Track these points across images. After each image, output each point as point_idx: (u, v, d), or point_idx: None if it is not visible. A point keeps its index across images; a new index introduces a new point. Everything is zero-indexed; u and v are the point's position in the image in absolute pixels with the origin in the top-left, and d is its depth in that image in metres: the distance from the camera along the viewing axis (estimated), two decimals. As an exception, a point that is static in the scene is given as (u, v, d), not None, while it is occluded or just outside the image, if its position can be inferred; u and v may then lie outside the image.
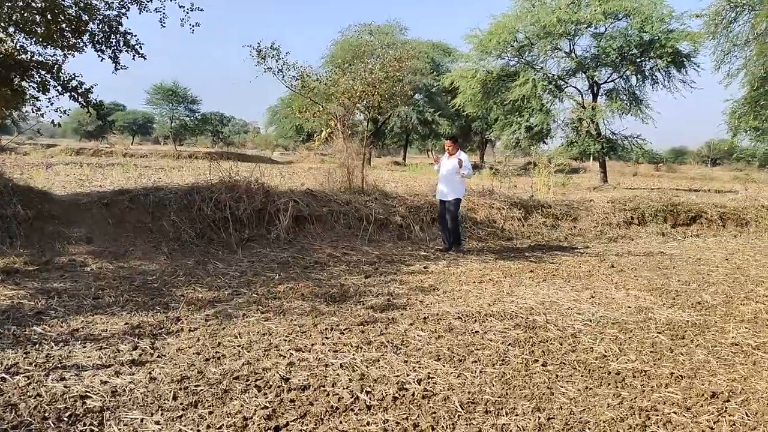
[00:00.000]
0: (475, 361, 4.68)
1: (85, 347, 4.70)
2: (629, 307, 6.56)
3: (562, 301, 6.71)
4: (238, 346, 4.85)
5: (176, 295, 6.39)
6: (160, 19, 9.38)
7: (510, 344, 5.13)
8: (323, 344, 4.95)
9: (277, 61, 10.66)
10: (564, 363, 4.72)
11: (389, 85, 10.72)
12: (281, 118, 57.60)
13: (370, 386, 4.11)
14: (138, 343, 4.82)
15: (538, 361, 4.74)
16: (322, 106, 11.30)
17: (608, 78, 30.02)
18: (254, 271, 7.62)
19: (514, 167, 14.28)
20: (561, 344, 5.18)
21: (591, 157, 35.90)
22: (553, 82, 29.33)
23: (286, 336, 5.14)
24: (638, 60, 28.37)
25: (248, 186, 9.40)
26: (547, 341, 5.24)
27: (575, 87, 30.75)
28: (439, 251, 9.56)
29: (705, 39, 19.90)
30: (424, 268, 8.32)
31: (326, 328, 5.36)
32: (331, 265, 8.16)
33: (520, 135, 29.49)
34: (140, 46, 9.28)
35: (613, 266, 8.89)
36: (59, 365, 4.31)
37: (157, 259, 7.93)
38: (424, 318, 5.80)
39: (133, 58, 9.26)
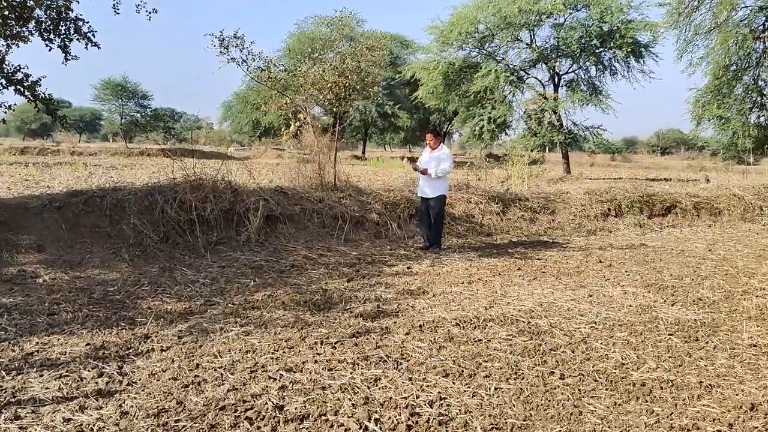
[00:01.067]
0: (487, 376, 4.22)
1: (42, 376, 4.08)
2: (630, 306, 6.20)
3: (560, 301, 6.31)
4: (220, 367, 4.29)
5: (142, 307, 5.77)
6: (114, 4, 8.64)
7: (519, 354, 4.69)
8: (315, 361, 4.42)
9: (241, 51, 10.01)
10: (583, 374, 4.30)
11: (362, 75, 10.18)
12: (237, 113, 56.31)
13: (377, 412, 3.61)
14: (103, 368, 4.22)
15: (554, 373, 4.31)
16: (290, 98, 10.69)
17: (569, 69, 30.05)
18: (226, 278, 7.03)
19: (482, 160, 13.83)
20: (573, 352, 4.76)
21: (551, 149, 35.82)
22: (515, 74, 29.12)
23: (272, 353, 4.60)
24: (598, 50, 28.44)
25: (215, 184, 8.76)
26: (557, 349, 4.82)
27: (536, 78, 30.73)
28: (420, 249, 9.09)
29: (668, 28, 19.89)
30: (408, 268, 7.84)
31: (316, 342, 4.84)
32: (308, 268, 7.61)
33: (484, 127, 29.20)
34: (93, 34, 8.52)
35: (600, 261, 8.57)
36: (12, 400, 3.69)
37: (118, 267, 7.25)
38: (420, 326, 5.33)
39: (86, 47, 8.50)
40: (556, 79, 30.29)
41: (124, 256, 7.61)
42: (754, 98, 19.14)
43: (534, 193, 12.30)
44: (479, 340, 5.01)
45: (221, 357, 4.50)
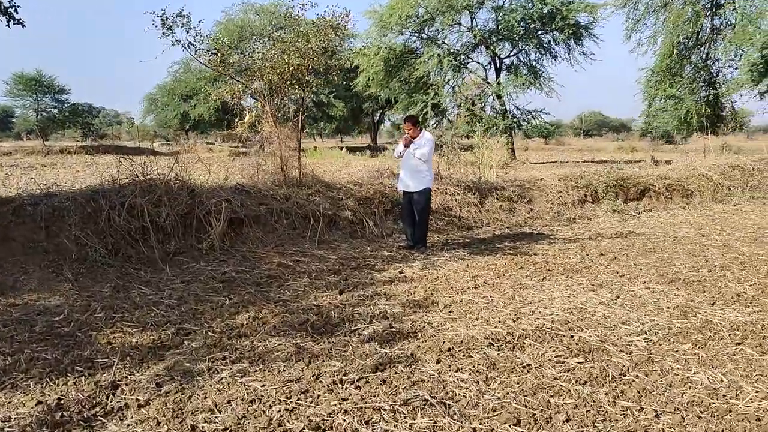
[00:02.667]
0: (568, 420, 3.38)
1: (-19, 464, 2.97)
2: (668, 307, 5.50)
3: (588, 306, 5.55)
4: (224, 430, 3.28)
5: (100, 342, 4.66)
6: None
7: (587, 383, 3.86)
8: (345, 411, 3.48)
9: (187, 32, 8.79)
10: (678, 408, 3.51)
11: (326, 56, 9.15)
12: (162, 106, 53.52)
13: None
14: (67, 443, 3.15)
15: (644, 409, 3.51)
16: (243, 84, 9.53)
17: (510, 53, 29.68)
18: (195, 296, 5.93)
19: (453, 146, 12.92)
20: (647, 376, 3.97)
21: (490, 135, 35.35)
22: (458, 58, 28.49)
23: (284, 401, 3.62)
24: (539, 33, 28.18)
25: (168, 185, 7.58)
26: (626, 373, 4.02)
27: (478, 62, 30.24)
28: (403, 249, 8.19)
29: (617, 8, 19.59)
30: (400, 273, 6.93)
31: (333, 381, 3.88)
32: (288, 279, 6.58)
33: (428, 113, 28.46)
34: (16, 10, 7.15)
35: (602, 254, 7.90)
36: None
37: (61, 290, 6.04)
38: (449, 349, 4.44)
39: (8, 25, 7.12)
40: (498, 63, 29.93)
41: (66, 275, 6.39)
42: (703, 77, 19.09)
43: (508, 182, 11.59)
44: (527, 365, 4.16)
45: (221, 412, 3.49)
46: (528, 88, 28.60)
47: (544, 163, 28.23)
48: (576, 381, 3.88)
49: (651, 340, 4.64)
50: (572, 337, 4.72)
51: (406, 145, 8.09)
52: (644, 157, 29.70)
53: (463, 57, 29.56)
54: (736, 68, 19.93)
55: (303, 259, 7.44)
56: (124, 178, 7.67)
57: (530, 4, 27.19)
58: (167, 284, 6.33)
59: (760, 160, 15.24)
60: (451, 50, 28.61)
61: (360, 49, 30.88)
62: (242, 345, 4.58)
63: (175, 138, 66.39)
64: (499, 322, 5.09)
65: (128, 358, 4.35)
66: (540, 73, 29.42)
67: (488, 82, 29.15)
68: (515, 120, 28.88)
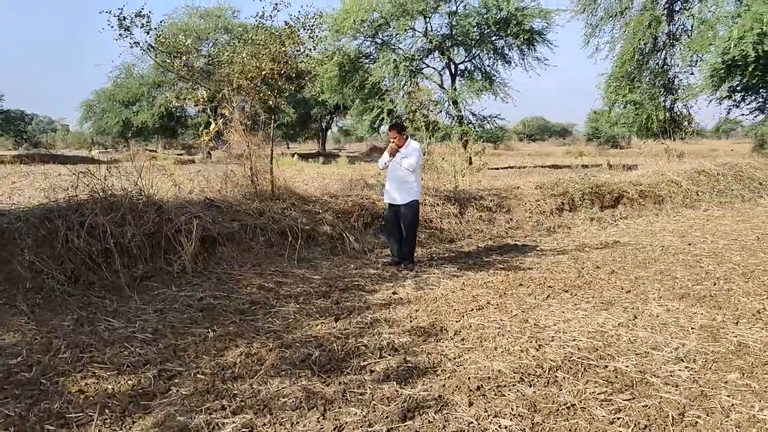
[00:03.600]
0: (646, 478, 2.91)
1: None
2: (692, 328, 5.14)
3: (608, 328, 5.15)
4: None
5: (71, 391, 3.98)
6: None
7: (646, 427, 3.42)
8: (384, 477, 2.93)
9: (147, 33, 8.05)
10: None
11: (297, 60, 8.55)
12: (102, 113, 51.29)
13: None
14: None
15: (724, 459, 3.07)
16: (210, 90, 8.84)
17: (465, 58, 29.53)
18: (172, 327, 5.27)
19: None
20: (708, 415, 3.56)
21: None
22: (413, 63, 28.15)
23: (309, 465, 3.05)
24: (494, 38, 28.12)
25: (132, 201, 6.85)
26: (683, 411, 3.61)
27: (434, 68, 29.96)
28: (389, 266, 7.66)
29: (576, 13, 19.58)
30: (393, 294, 6.40)
31: (359, 436, 3.33)
32: (275, 305, 5.96)
33: (384, 119, 27.99)
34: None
35: (598, 267, 7.55)
36: None
37: (16, 325, 5.28)
38: (478, 387, 3.95)
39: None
40: (453, 69, 29.74)
41: (21, 306, 5.61)
42: (662, 82, 19.23)
43: (484, 190, 11.19)
44: (571, 405, 3.70)
45: (235, 485, 2.89)
46: (483, 93, 28.52)
47: (499, 168, 28.12)
48: (635, 425, 3.43)
49: (692, 368, 4.25)
50: (606, 367, 4.29)
51: (392, 155, 7.57)
52: (592, 161, 30.05)
53: (418, 62, 29.23)
54: (692, 74, 20.22)
55: (285, 281, 6.83)
56: (81, 193, 6.90)
57: (485, 10, 27.08)
58: (138, 314, 5.64)
59: (723, 164, 15.32)
60: (407, 55, 28.21)
61: (309, 52, 30.17)
62: (240, 389, 3.97)
63: (114, 145, 63.91)
64: (521, 351, 4.62)
65: (107, 410, 3.69)
66: (494, 78, 29.42)
67: (444, 88, 28.94)
68: (470, 125, 28.71)
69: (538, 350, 4.63)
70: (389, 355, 4.54)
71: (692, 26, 18.81)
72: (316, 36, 8.58)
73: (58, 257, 6.19)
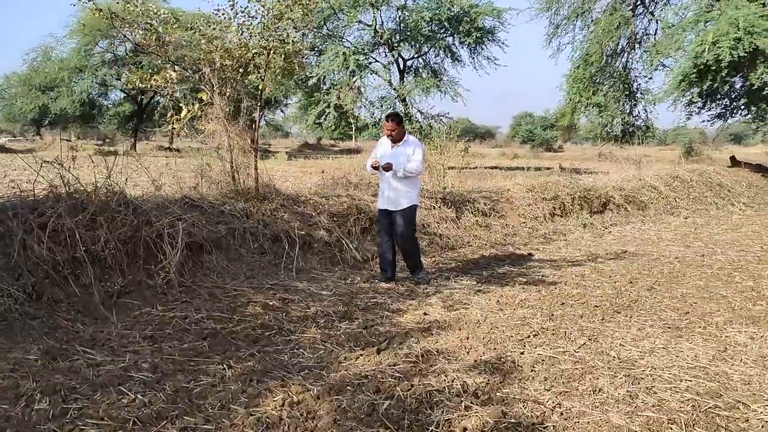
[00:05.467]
0: None
1: None
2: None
3: (704, 363, 4.38)
4: None
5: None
6: None
7: None
8: None
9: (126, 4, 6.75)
10: None
11: (293, 41, 7.44)
12: (13, 98, 47.43)
13: None
14: None
15: None
16: (187, 70, 7.59)
17: (414, 54, 28.79)
18: (173, 361, 4.16)
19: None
20: None
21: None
22: (365, 56, 27.15)
23: None
24: (445, 35, 27.52)
25: (102, 199, 5.61)
26: None
27: (381, 63, 29.03)
28: (382, 282, 6.61)
29: (540, 11, 19.12)
30: (424, 315, 5.45)
31: None
32: (292, 330, 4.90)
33: (331, 114, 26.86)
34: None
35: (630, 282, 6.86)
36: None
37: (-36, 361, 4.03)
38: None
39: None
40: (401, 65, 28.94)
41: (-32, 335, 4.34)
42: (622, 86, 19.04)
43: (474, 192, 10.38)
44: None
45: None
46: (432, 91, 27.88)
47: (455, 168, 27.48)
48: None
49: None
50: (747, 420, 3.50)
51: (385, 170, 6.46)
52: (538, 163, 30.02)
53: (365, 57, 28.23)
54: (650, 78, 20.17)
55: (290, 297, 5.76)
56: (38, 189, 5.60)
57: (436, 5, 26.41)
58: (123, 344, 4.47)
59: (693, 171, 15.17)
60: (357, 49, 27.16)
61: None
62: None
63: (23, 134, 59.40)
64: (629, 396, 3.77)
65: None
66: (442, 76, 28.88)
67: (390, 84, 28.08)
68: (419, 124, 28.01)
69: (649, 394, 3.79)
70: (475, 404, 3.60)
71: (655, 30, 18.73)
72: (312, 11, 7.47)
73: (14, 269, 4.91)
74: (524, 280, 6.86)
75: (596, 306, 5.82)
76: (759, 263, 7.93)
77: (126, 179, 6.10)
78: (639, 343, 4.76)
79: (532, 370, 4.17)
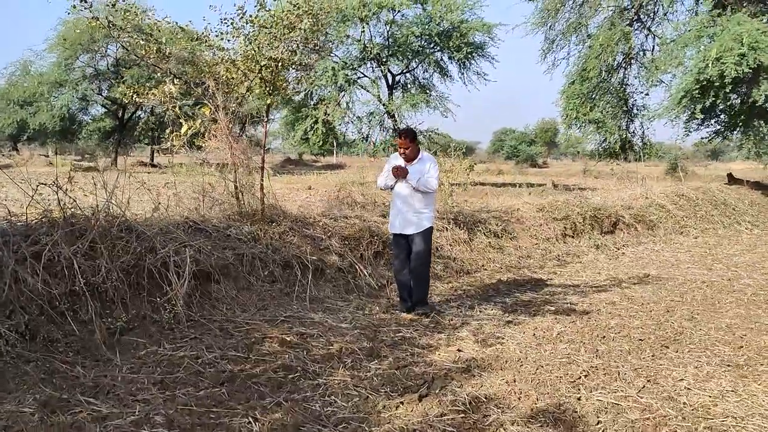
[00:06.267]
0: None
1: None
2: None
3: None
4: None
5: None
6: None
7: None
8: None
9: (113, 5, 6.25)
10: None
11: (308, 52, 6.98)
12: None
13: None
14: None
15: None
16: (189, 83, 7.09)
17: (403, 69, 28.46)
18: (189, 412, 3.64)
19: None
20: None
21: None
22: (353, 71, 26.77)
23: None
24: (435, 50, 27.27)
25: (102, 224, 5.08)
26: None
27: (369, 78, 28.65)
28: (403, 313, 6.11)
29: (537, 26, 18.86)
30: (458, 351, 4.98)
31: None
32: (318, 372, 4.39)
33: (319, 130, 26.39)
34: None
35: (668, 311, 6.44)
36: None
37: (-50, 416, 3.47)
38: None
39: None
40: (390, 80, 28.60)
41: (-47, 384, 3.79)
42: (620, 102, 18.81)
43: (483, 211, 9.94)
44: None
45: None
46: (421, 106, 27.57)
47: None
48: None
49: None
50: None
51: (401, 177, 6.01)
52: (526, 179, 29.74)
53: (354, 72, 27.84)
54: (647, 95, 19.95)
55: (308, 332, 5.25)
56: (30, 212, 5.06)
57: (426, 20, 26.15)
58: (132, 391, 3.94)
59: (697, 189, 14.91)
60: (345, 63, 26.75)
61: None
62: None
63: (0, 149, 57.84)
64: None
65: None
66: (430, 91, 28.64)
67: (380, 99, 27.70)
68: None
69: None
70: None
71: (652, 46, 18.54)
72: (323, 24, 7.04)
73: (4, 305, 4.35)
74: (553, 308, 6.42)
75: (641, 340, 5.39)
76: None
77: (128, 200, 5.56)
78: (703, 384, 4.32)
79: (598, 422, 3.71)
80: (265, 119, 7.66)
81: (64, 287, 4.59)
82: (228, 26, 6.70)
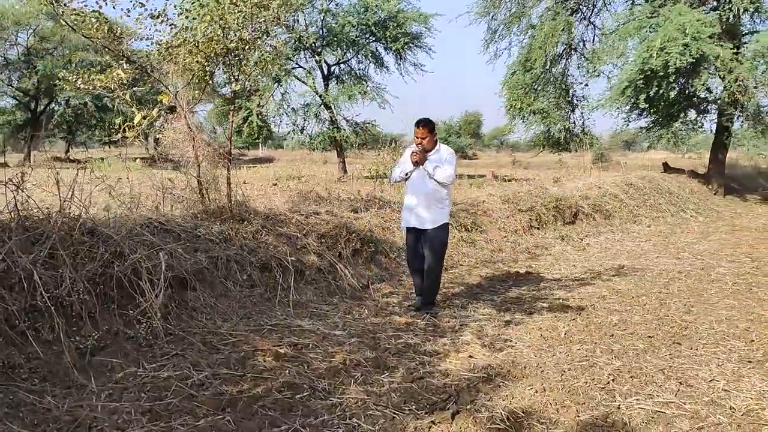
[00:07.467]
0: None
1: None
2: None
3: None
4: None
5: None
6: None
7: None
8: None
9: None
10: None
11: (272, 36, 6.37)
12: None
13: None
14: None
15: None
16: (144, 67, 6.37)
17: (339, 60, 27.86)
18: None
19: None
20: None
21: (325, 148, 32.45)
22: (290, 61, 25.98)
23: None
24: (371, 41, 26.82)
25: (62, 227, 4.40)
26: None
27: (303, 68, 27.88)
28: (417, 312, 5.79)
29: (480, 15, 18.70)
30: (470, 357, 4.60)
31: None
32: (328, 390, 3.90)
33: (254, 122, 25.49)
34: None
35: (662, 304, 6.29)
36: None
37: None
38: None
39: None
40: (326, 71, 27.95)
41: None
42: (562, 93, 18.92)
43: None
44: None
45: None
46: (357, 98, 27.08)
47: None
48: None
49: None
50: None
51: (419, 163, 5.71)
52: (492, 172, 29.76)
53: (288, 61, 27.01)
54: (586, 85, 20.17)
55: (302, 341, 4.74)
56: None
57: (363, 9, 25.65)
58: (117, 424, 3.35)
59: (643, 178, 15.12)
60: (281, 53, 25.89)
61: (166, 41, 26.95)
62: None
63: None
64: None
65: None
66: (366, 82, 28.19)
67: (316, 91, 27.01)
68: (344, 131, 27.16)
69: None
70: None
71: (592, 37, 18.73)
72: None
73: (-48, 326, 3.65)
74: (546, 305, 6.14)
75: (650, 336, 5.17)
76: (765, 276, 7.60)
77: (89, 200, 4.86)
78: (737, 385, 4.10)
79: (647, 434, 3.40)
80: (231, 107, 6.99)
81: (23, 302, 3.91)
82: (192, 2, 6.03)
